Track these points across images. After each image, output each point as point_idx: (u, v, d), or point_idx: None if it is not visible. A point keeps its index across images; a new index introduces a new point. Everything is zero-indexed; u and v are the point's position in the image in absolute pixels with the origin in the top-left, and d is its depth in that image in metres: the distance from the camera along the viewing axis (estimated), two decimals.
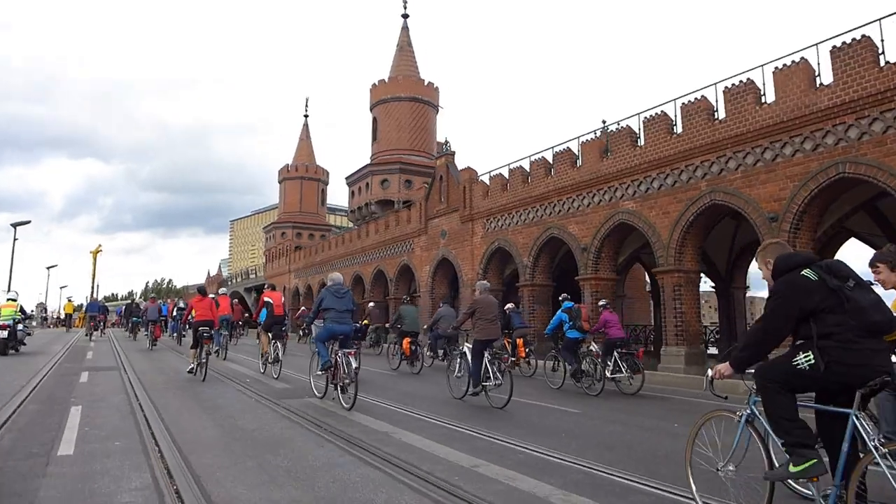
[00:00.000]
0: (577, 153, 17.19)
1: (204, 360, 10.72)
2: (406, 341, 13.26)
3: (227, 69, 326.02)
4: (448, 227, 22.96)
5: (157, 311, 19.64)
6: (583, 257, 16.72)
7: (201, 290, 12.51)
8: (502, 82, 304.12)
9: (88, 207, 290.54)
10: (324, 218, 59.91)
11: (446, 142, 24.10)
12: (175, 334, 21.89)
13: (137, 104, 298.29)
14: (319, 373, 8.41)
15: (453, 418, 7.33)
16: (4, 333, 15.23)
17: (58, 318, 38.44)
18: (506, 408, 8.04)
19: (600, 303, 11.92)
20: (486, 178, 21.15)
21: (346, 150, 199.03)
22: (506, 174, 20.05)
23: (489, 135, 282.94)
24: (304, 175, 58.35)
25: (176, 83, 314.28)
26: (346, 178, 45.29)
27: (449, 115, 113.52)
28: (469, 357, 8.69)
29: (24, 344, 16.85)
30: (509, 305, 14.14)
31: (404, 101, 42.96)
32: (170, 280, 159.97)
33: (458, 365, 9.42)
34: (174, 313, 22.57)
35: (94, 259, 69.51)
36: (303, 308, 29.25)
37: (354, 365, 7.77)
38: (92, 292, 66.56)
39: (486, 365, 8.41)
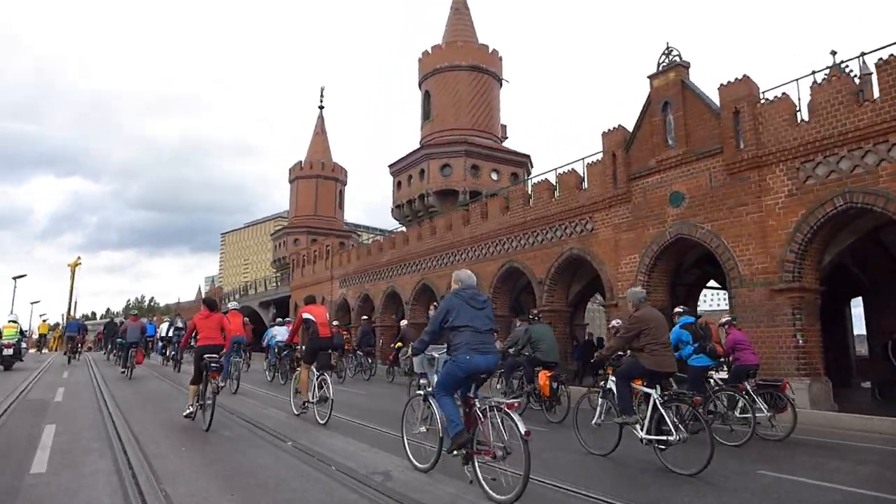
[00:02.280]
0: None
1: (210, 401, 7.53)
2: (544, 376, 9.81)
3: (219, 81, 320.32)
4: (689, 187, 13.86)
5: (140, 330, 16.19)
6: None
7: (209, 304, 8.80)
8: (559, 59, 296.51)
9: (73, 225, 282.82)
10: (342, 223, 50.10)
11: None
12: (170, 360, 19.30)
13: (126, 122, 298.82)
14: (452, 452, 4.90)
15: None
16: (10, 351, 17.33)
17: (38, 337, 35.14)
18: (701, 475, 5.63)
19: (724, 319, 10.01)
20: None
21: (360, 148, 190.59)
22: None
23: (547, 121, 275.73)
24: (319, 173, 48.91)
25: (166, 99, 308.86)
26: (391, 167, 35.88)
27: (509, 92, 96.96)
28: (616, 392, 6.62)
29: (22, 360, 18.91)
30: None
31: (464, 70, 34.20)
32: (151, 298, 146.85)
33: (601, 408, 7.04)
34: (169, 333, 19.65)
35: (73, 273, 61.55)
36: (342, 328, 19.01)
37: (522, 429, 4.42)
38: (69, 310, 56.66)
39: (659, 411, 6.08)
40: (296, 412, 8.82)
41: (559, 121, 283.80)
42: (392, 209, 35.34)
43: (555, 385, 9.73)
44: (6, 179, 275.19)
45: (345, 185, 51.34)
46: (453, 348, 5.02)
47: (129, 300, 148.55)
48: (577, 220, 17.01)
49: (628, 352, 6.84)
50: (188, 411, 7.84)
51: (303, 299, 9.71)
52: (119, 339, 18.90)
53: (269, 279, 45.54)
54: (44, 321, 32.52)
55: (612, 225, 15.83)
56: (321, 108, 52.40)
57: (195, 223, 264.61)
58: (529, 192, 19.35)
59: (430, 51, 35.50)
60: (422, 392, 5.75)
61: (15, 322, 18.60)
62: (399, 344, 16.87)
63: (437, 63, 34.77)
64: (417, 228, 24.79)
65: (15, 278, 33.44)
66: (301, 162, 49.60)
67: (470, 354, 4.91)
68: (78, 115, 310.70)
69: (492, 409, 4.73)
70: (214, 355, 7.87)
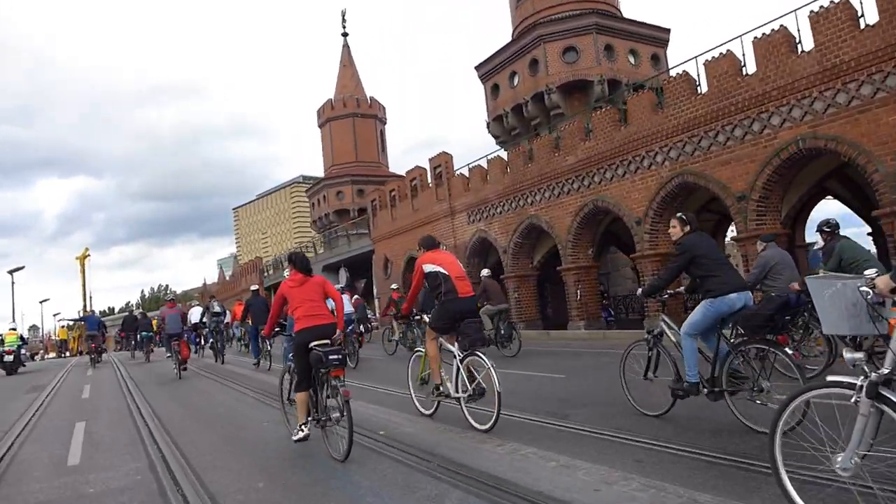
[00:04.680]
0: None
1: (337, 414, 4.69)
2: None
3: (214, 68, 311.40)
4: None
5: (181, 318, 13.74)
6: None
7: (299, 263, 5.34)
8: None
9: (81, 224, 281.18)
10: (387, 169, 44.38)
11: None
12: (215, 348, 15.56)
13: (123, 115, 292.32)
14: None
15: None
16: (11, 357, 17.93)
17: (59, 342, 34.04)
18: None
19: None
20: None
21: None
22: None
23: None
24: (355, 111, 42.95)
25: (161, 89, 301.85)
26: (480, 68, 28.24)
27: None
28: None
29: (24, 365, 20.12)
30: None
31: None
32: (166, 286, 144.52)
33: None
34: (203, 320, 16.85)
35: (83, 265, 59.87)
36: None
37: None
38: (85, 305, 53.87)
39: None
40: (425, 411, 6.16)
41: None
42: (488, 123, 28.42)
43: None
44: (11, 186, 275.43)
45: (384, 123, 45.35)
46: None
47: (142, 290, 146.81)
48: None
49: None
50: (300, 435, 4.98)
51: (420, 242, 6.14)
52: (144, 333, 18.65)
53: (318, 242, 40.42)
54: (62, 326, 32.89)
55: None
56: (344, 35, 45.83)
57: (201, 209, 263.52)
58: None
59: None
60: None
61: (15, 329, 19.67)
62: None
63: None
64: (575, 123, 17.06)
65: (11, 271, 32.22)
66: (331, 100, 43.61)
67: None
68: (74, 115, 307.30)
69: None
70: (327, 342, 4.98)
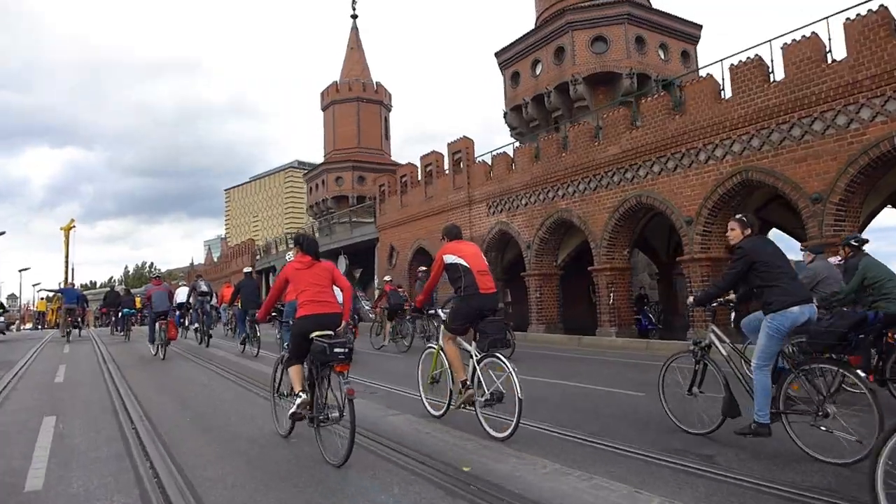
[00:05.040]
0: None
1: (337, 414, 4.28)
2: None
3: (213, 45, 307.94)
4: None
5: (168, 296, 12.42)
6: None
7: (306, 245, 4.86)
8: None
9: (70, 196, 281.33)
10: (390, 156, 42.70)
11: None
12: (200, 330, 14.50)
13: (119, 88, 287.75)
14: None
15: None
16: None
17: (37, 315, 32.81)
18: None
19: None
20: None
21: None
22: None
23: None
24: (360, 95, 41.24)
25: (159, 64, 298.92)
26: (500, 55, 26.56)
27: None
28: None
29: (4, 334, 20.75)
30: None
31: None
32: (151, 263, 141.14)
33: None
34: (190, 301, 15.13)
35: (67, 237, 58.56)
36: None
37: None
38: (66, 277, 52.49)
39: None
40: (434, 413, 5.63)
41: None
42: (505, 113, 26.73)
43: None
44: (1, 149, 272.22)
45: (389, 110, 43.68)
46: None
47: (126, 266, 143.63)
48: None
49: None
50: (297, 402, 4.42)
51: (443, 231, 5.77)
52: (126, 310, 17.30)
53: (315, 228, 38.61)
54: (41, 298, 31.05)
55: None
56: (354, 17, 44.09)
57: (192, 188, 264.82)
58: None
59: None
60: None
61: None
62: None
63: None
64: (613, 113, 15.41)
65: (21, 270, 30.79)
66: (336, 83, 41.84)
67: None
68: (71, 83, 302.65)
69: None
70: (331, 333, 4.46)
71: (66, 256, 57.44)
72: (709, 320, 5.27)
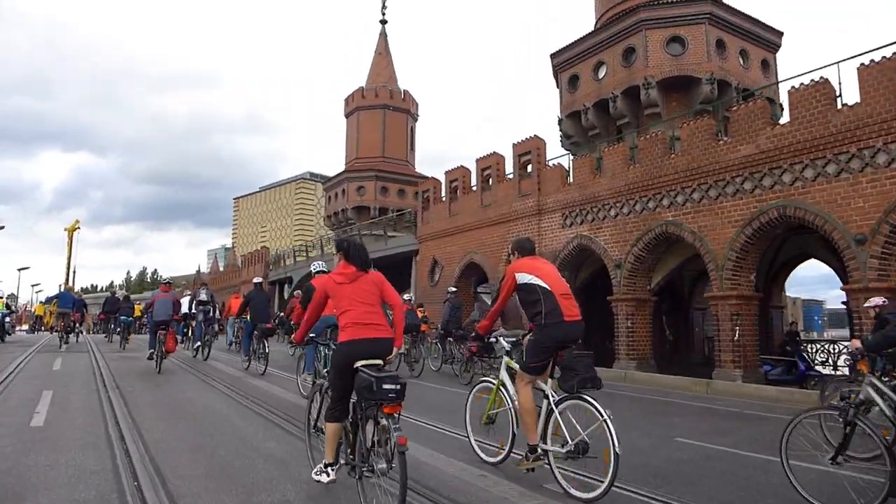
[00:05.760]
0: None
1: (384, 463, 3.42)
2: None
3: (232, 58, 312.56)
4: None
5: (173, 305, 11.46)
6: None
7: (354, 253, 3.96)
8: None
9: (78, 200, 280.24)
10: (414, 168, 39.94)
11: None
12: (188, 343, 14.16)
13: (136, 97, 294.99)
14: None
15: None
16: None
17: (35, 318, 31.91)
18: None
19: None
20: None
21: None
22: None
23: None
24: (387, 103, 38.69)
25: (178, 76, 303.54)
26: (555, 56, 24.04)
27: None
28: None
29: (10, 334, 20.24)
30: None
31: None
32: (154, 270, 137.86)
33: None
34: (193, 310, 14.11)
35: (71, 238, 58.42)
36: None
37: None
38: (67, 279, 50.82)
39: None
40: (488, 459, 4.81)
41: None
42: (560, 120, 24.12)
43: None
44: (14, 154, 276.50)
45: (416, 120, 41.11)
46: None
47: (128, 272, 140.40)
48: None
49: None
50: (322, 479, 3.82)
51: (513, 243, 4.85)
52: (124, 318, 16.69)
53: (326, 240, 35.58)
54: (40, 303, 30.54)
55: None
56: (383, 22, 41.79)
57: (201, 198, 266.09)
58: None
59: None
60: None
61: (2, 298, 19.16)
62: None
63: None
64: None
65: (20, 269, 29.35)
66: (363, 88, 39.34)
67: None
68: (86, 90, 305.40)
69: None
70: (379, 362, 3.72)
71: (69, 258, 57.02)
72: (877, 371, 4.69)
